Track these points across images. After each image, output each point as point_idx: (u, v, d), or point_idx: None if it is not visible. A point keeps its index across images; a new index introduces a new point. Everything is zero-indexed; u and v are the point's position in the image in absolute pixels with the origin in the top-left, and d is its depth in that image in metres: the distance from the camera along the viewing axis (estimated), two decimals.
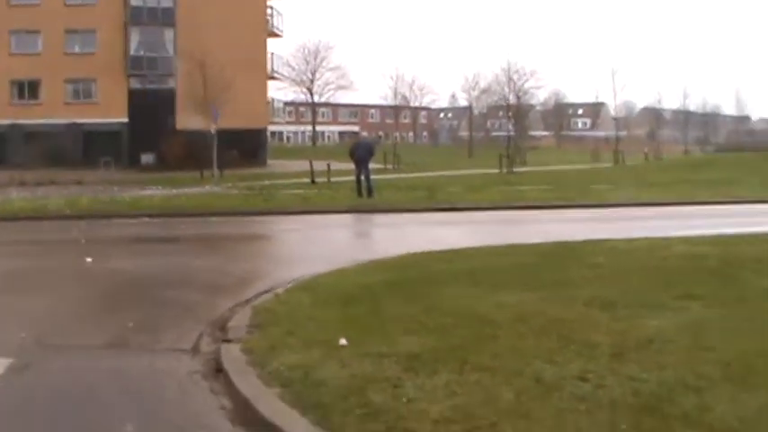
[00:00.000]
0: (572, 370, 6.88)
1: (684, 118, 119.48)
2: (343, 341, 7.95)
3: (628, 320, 8.67)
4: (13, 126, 54.84)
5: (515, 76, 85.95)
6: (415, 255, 14.20)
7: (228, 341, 8.54)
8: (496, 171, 49.29)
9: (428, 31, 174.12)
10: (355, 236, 22.20)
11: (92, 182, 41.50)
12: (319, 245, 18.33)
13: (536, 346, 7.73)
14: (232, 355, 7.94)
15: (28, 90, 56.89)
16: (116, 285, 13.01)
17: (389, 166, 55.64)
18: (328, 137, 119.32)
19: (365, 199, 28.41)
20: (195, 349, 8.63)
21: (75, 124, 54.51)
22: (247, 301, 10.74)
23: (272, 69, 65.42)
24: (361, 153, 29.51)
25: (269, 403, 6.49)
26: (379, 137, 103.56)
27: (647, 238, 15.84)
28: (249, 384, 7.01)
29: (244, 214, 24.92)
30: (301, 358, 7.48)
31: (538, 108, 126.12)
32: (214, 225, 22.23)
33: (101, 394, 7.14)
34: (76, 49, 56.62)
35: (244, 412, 6.55)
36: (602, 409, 5.95)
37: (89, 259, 15.07)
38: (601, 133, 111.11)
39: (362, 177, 29.02)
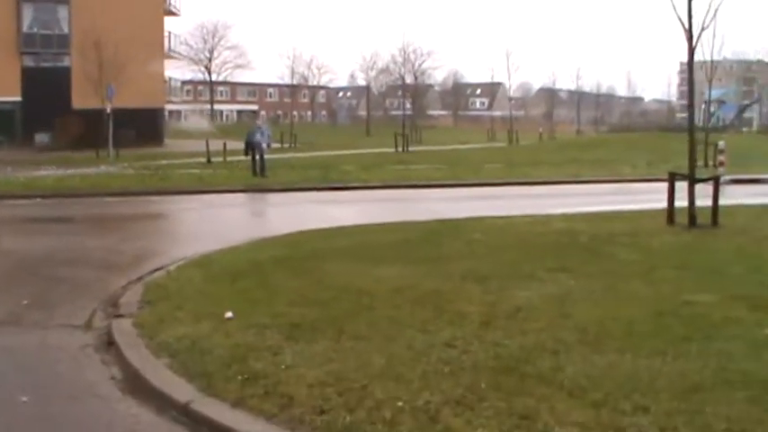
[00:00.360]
0: (442, 337, 7.45)
1: (579, 99, 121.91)
2: (229, 314, 8.39)
3: (499, 292, 9.29)
4: None
5: (412, 57, 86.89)
6: (304, 233, 14.70)
7: (120, 316, 8.93)
8: (392, 150, 49.82)
9: (326, 10, 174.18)
10: (249, 215, 22.52)
11: None
12: (213, 224, 18.62)
13: (410, 316, 8.29)
14: (123, 329, 8.32)
15: None
16: (9, 265, 13.09)
17: (286, 145, 55.79)
18: (227, 116, 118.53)
19: (259, 178, 28.60)
20: (88, 325, 8.97)
21: None
22: (140, 279, 11.09)
23: (170, 48, 64.82)
24: (258, 138, 29.92)
25: (157, 372, 6.93)
26: (277, 117, 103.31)
27: (527, 216, 16.57)
28: (139, 355, 7.43)
29: (138, 194, 24.86)
30: (189, 330, 7.91)
31: (436, 88, 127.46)
32: (108, 205, 22.29)
33: None
34: None
35: (134, 382, 6.97)
36: (466, 371, 6.52)
37: None
38: (498, 113, 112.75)
39: (257, 157, 29.38)
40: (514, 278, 10.05)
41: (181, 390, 6.45)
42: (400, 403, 5.83)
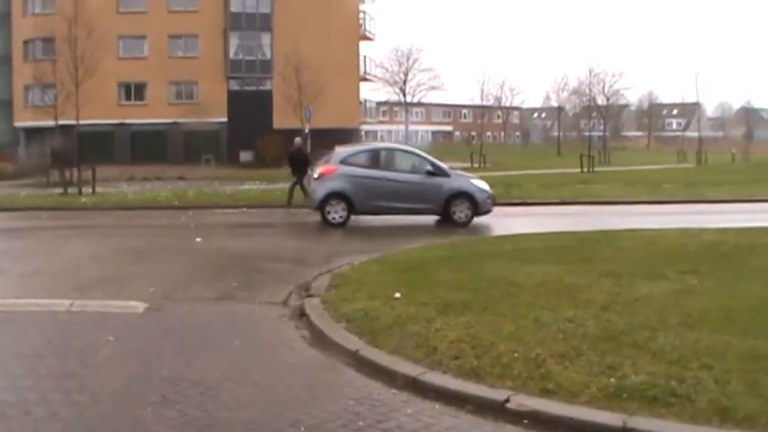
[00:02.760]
0: (565, 315, 9.17)
1: None
2: (397, 294, 10.40)
3: (626, 286, 10.88)
4: (120, 125, 58.50)
5: (603, 78, 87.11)
6: (471, 238, 16.57)
7: (310, 296, 11.11)
8: (578, 171, 50.85)
9: (518, 32, 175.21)
10: (423, 224, 24.09)
11: (194, 177, 44.82)
12: (390, 230, 20.76)
13: (546, 301, 10.03)
14: (313, 304, 10.48)
15: (134, 92, 60.55)
16: (222, 258, 15.87)
17: (476, 165, 57.77)
18: (422, 136, 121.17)
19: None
20: (285, 302, 11.23)
21: (177, 124, 57.81)
22: (329, 271, 13.23)
23: (365, 71, 68.14)
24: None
25: (336, 332, 9.04)
26: (471, 137, 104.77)
27: (681, 229, 17.77)
28: (323, 321, 9.56)
29: None
30: (364, 305, 9.97)
31: (632, 109, 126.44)
32: (306, 215, 24.80)
33: (214, 326, 9.86)
34: (180, 53, 60.08)
35: (319, 339, 9.12)
36: (575, 338, 8.25)
37: (198, 239, 17.94)
38: (694, 134, 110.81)
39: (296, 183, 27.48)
40: (645, 277, 11.55)
41: (352, 342, 8.53)
42: (516, 354, 7.66)
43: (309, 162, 26.88)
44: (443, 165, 22.45)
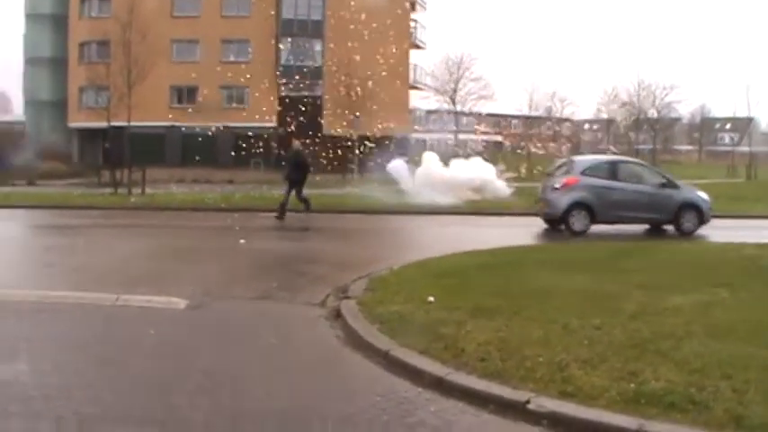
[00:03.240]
0: (593, 323, 9.36)
1: None
2: (431, 298, 10.66)
3: (657, 297, 11.01)
4: (171, 128, 59.26)
5: (656, 90, 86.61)
6: (509, 247, 16.74)
7: (347, 298, 11.40)
8: None
9: (570, 42, 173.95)
10: (462, 232, 23.92)
11: (242, 181, 45.47)
12: (435, 238, 21.02)
13: (575, 308, 10.21)
14: (349, 306, 10.76)
15: (186, 95, 61.35)
16: (264, 260, 16.32)
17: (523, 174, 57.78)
18: (470, 145, 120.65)
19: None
20: (322, 303, 11.54)
21: (227, 128, 58.42)
22: (367, 275, 13.51)
23: (415, 79, 68.43)
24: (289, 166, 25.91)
25: (369, 332, 9.32)
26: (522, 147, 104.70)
27: (720, 243, 17.84)
28: (358, 322, 9.83)
29: (377, 212, 27.59)
30: (399, 308, 10.25)
31: (684, 122, 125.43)
32: (347, 219, 25.10)
33: (252, 324, 10.23)
34: (231, 58, 60.76)
35: (352, 338, 9.40)
36: (601, 344, 8.45)
37: (242, 241, 18.36)
38: (745, 149, 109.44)
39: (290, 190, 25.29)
40: (677, 288, 11.67)
41: (384, 342, 8.80)
42: (541, 359, 7.89)
43: (309, 168, 25.78)
44: (673, 177, 23.63)
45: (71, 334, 9.39)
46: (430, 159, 34.78)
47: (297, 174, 24.92)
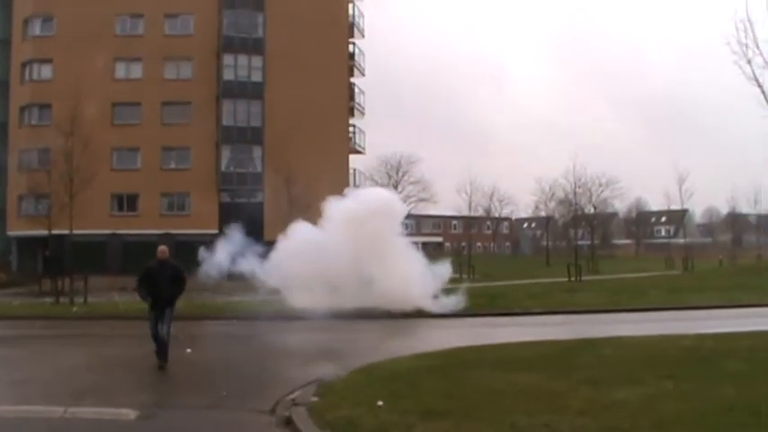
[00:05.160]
0: (541, 420, 9.55)
1: (765, 223, 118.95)
2: (380, 402, 10.74)
3: (604, 392, 11.27)
4: (112, 236, 58.90)
5: (591, 187, 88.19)
6: (459, 348, 16.89)
7: (296, 405, 11.43)
8: (566, 280, 51.27)
9: (505, 144, 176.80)
10: (413, 336, 24.09)
11: (186, 288, 44.99)
12: (383, 342, 21.04)
13: (526, 406, 10.39)
14: (299, 413, 10.81)
15: (127, 203, 61.15)
16: (211, 368, 16.24)
17: (464, 276, 58.27)
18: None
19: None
20: (272, 410, 11.56)
21: (169, 234, 58.20)
22: (315, 381, 13.53)
23: (356, 183, 69.07)
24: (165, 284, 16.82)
25: None
26: (462, 248, 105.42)
27: (661, 335, 18.17)
28: (308, 427, 9.87)
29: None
30: (348, 413, 10.30)
31: (621, 217, 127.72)
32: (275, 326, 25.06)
33: None
34: (172, 165, 60.90)
35: None
36: None
37: (188, 350, 18.23)
38: (681, 241, 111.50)
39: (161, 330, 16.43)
40: (623, 382, 11.95)
41: None
42: None
43: (185, 280, 17.35)
44: None
45: None
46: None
47: (173, 290, 16.97)
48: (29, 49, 61.06)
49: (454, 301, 29.03)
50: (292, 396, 12.28)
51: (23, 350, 19.84)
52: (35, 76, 60.98)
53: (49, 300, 35.30)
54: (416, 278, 29.23)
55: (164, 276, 16.72)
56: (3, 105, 63.23)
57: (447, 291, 30.13)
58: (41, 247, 54.03)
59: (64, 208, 38.09)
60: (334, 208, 31.18)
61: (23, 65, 61.49)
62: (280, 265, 29.37)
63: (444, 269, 31.16)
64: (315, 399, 11.75)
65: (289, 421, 10.62)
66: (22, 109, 61.32)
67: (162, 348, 16.03)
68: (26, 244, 59.05)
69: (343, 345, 20.38)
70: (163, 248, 17.28)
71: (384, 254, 28.97)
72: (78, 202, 38.18)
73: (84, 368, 15.94)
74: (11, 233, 61.80)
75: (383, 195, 35.25)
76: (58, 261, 42.74)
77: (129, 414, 11.08)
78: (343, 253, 28.73)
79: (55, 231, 40.44)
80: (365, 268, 28.84)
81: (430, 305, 28.72)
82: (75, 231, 38.71)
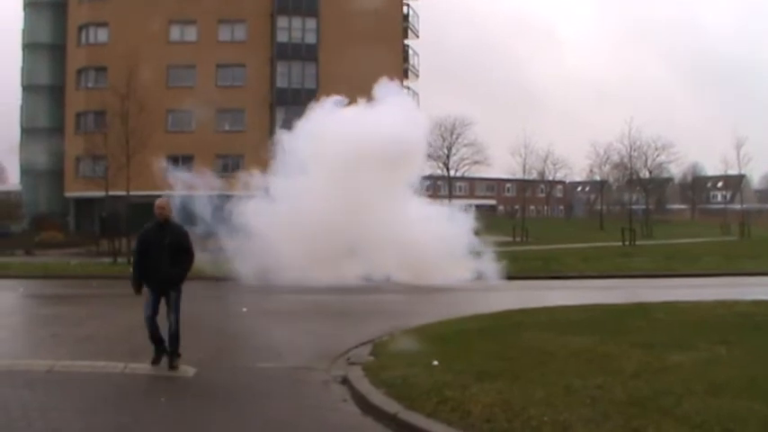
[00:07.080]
0: (594, 382, 9.60)
1: None
2: (435, 362, 10.89)
3: (657, 356, 11.27)
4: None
5: (647, 151, 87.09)
6: (511, 310, 16.97)
7: (353, 364, 11.64)
8: (620, 244, 50.97)
9: (562, 105, 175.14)
10: (468, 298, 24.36)
11: None
12: (436, 304, 21.25)
13: (576, 369, 10.46)
14: (355, 371, 11.01)
15: (182, 164, 61.61)
16: (268, 326, 16.36)
17: (518, 239, 58.26)
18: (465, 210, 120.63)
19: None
20: (328, 369, 11.78)
21: (224, 195, 58.53)
22: (371, 341, 13.76)
23: None
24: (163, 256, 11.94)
25: (376, 396, 9.52)
26: (515, 211, 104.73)
27: (715, 301, 18.02)
28: (364, 386, 10.06)
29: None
30: (403, 372, 10.46)
31: (676, 182, 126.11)
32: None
33: (260, 388, 10.56)
34: (227, 128, 61.13)
35: (360, 403, 9.72)
36: (603, 403, 8.69)
37: (244, 309, 18.54)
38: (738, 206, 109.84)
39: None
40: (676, 347, 11.94)
41: (391, 405, 9.02)
42: (545, 418, 8.12)
43: (192, 254, 12.28)
44: None
45: (81, 402, 9.57)
46: None
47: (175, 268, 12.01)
48: (85, 12, 61.65)
49: (495, 269, 27.48)
50: (347, 356, 12.52)
51: (83, 308, 20.22)
52: (91, 40, 61.69)
53: (106, 260, 35.96)
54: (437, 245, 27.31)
55: (161, 245, 11.73)
56: (60, 69, 64.02)
57: (497, 255, 28.87)
58: (98, 208, 54.81)
59: (120, 169, 38.62)
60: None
61: (80, 28, 62.17)
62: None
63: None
64: (370, 358, 11.97)
65: (345, 380, 10.83)
66: (79, 72, 62.03)
67: (169, 340, 11.82)
68: (83, 205, 59.91)
69: (393, 306, 20.59)
70: (162, 202, 12.21)
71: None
72: (134, 163, 38.67)
73: (142, 327, 16.22)
74: (68, 194, 62.68)
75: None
76: (115, 222, 43.30)
77: (188, 371, 11.37)
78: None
79: (111, 192, 41.01)
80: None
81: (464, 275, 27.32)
82: (132, 192, 39.21)
